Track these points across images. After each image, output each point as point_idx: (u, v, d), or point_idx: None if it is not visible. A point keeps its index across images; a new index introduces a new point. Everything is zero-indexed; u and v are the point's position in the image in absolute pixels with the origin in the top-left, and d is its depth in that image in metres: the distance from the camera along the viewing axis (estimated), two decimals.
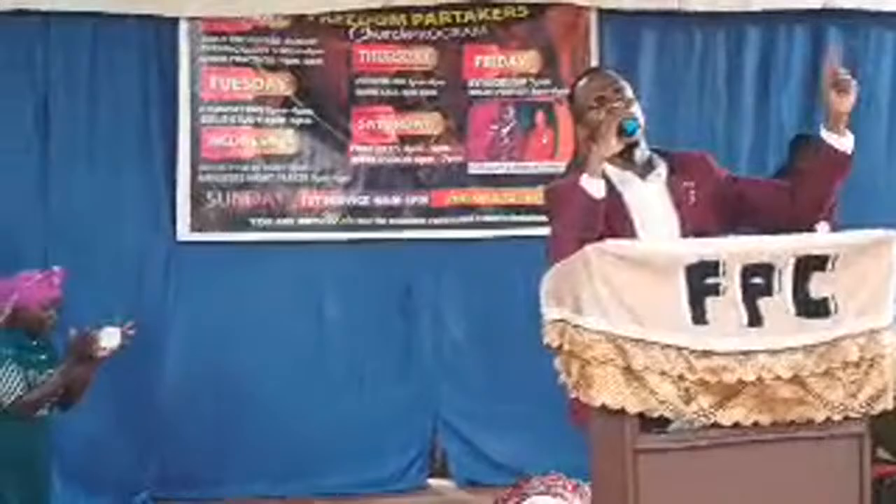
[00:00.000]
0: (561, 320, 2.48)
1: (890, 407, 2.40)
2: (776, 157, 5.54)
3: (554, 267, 2.57)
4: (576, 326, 2.40)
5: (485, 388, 5.37)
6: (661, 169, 2.96)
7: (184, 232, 5.27)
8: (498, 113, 5.50)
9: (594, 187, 2.80)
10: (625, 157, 2.92)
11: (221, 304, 5.25)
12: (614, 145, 2.85)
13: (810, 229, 2.93)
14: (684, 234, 2.84)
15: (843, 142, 2.81)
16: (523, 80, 5.51)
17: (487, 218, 5.47)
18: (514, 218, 5.44)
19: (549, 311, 2.53)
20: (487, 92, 5.49)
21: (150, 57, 5.26)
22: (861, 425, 2.40)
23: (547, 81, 5.47)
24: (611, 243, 2.39)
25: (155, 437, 5.15)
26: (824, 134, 2.83)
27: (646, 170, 2.95)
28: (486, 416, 5.36)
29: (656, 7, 5.48)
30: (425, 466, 5.38)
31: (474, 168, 5.47)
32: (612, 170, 2.90)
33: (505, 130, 5.50)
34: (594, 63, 5.45)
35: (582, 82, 3.08)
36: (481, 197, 5.47)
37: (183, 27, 5.26)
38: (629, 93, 2.98)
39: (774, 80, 5.60)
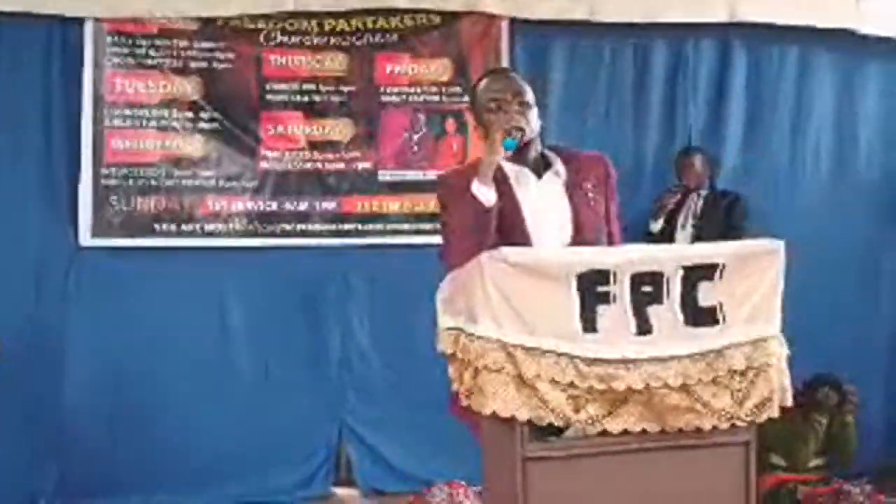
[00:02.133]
0: (455, 328, 2.48)
1: (776, 415, 2.45)
2: None
3: (449, 275, 2.58)
4: (469, 335, 2.41)
5: (390, 396, 5.34)
6: (559, 167, 2.92)
7: (86, 237, 5.15)
8: (409, 120, 5.48)
9: (484, 194, 2.76)
10: (520, 154, 2.89)
11: (124, 310, 5.14)
12: (502, 154, 2.82)
13: None
14: (579, 234, 2.83)
15: None
16: (434, 88, 5.50)
17: (397, 225, 5.45)
18: (424, 226, 5.42)
19: (444, 320, 2.54)
20: (398, 99, 5.47)
21: (53, 58, 5.14)
22: (748, 433, 2.44)
23: (458, 89, 5.47)
24: (504, 251, 2.40)
25: (55, 446, 5.03)
26: None
27: (541, 168, 2.92)
28: (391, 424, 5.33)
29: (567, 17, 5.50)
30: (330, 475, 5.33)
31: (384, 175, 5.45)
32: (507, 166, 2.88)
33: (415, 137, 5.48)
34: None
35: (483, 83, 3.02)
36: (391, 204, 5.45)
37: (88, 28, 5.15)
38: (528, 97, 2.93)
39: (681, 92, 5.67)
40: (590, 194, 2.91)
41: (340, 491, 5.38)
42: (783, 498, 4.74)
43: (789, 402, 2.46)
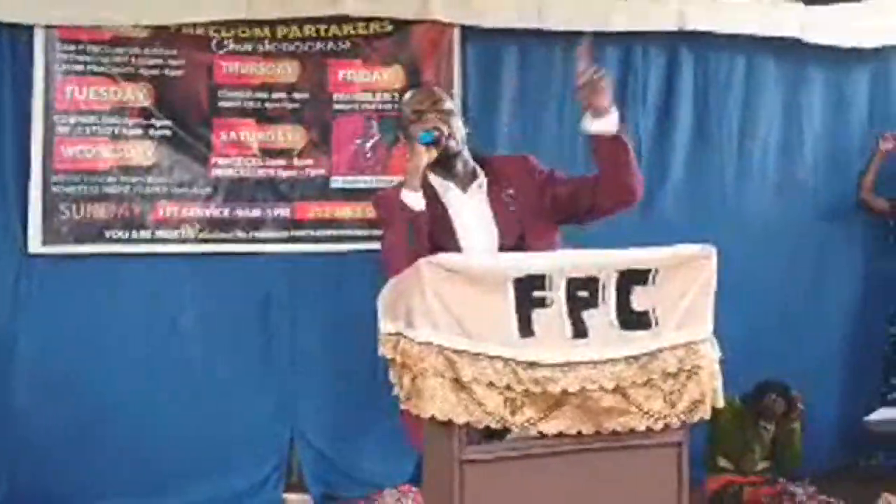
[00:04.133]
0: (395, 333, 2.52)
1: (708, 416, 2.50)
2: None
3: (390, 282, 2.62)
4: (408, 339, 2.45)
5: (341, 401, 5.36)
6: (482, 179, 3.03)
7: (35, 244, 5.13)
8: (361, 127, 5.51)
9: (413, 200, 2.87)
10: (447, 167, 3.00)
11: (75, 318, 5.12)
12: (424, 157, 2.93)
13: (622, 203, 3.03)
14: (504, 245, 2.90)
15: (604, 124, 2.89)
16: (387, 95, 5.52)
17: (350, 232, 5.47)
18: (376, 232, 5.41)
19: (385, 325, 2.58)
20: (351, 106, 5.49)
21: (3, 65, 5.12)
22: (680, 434, 2.50)
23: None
24: (442, 257, 2.45)
25: (6, 453, 5.01)
26: (587, 125, 2.92)
27: (467, 181, 3.02)
28: (342, 429, 5.35)
29: (518, 25, 5.56)
30: (281, 480, 5.34)
31: (337, 181, 5.47)
32: (436, 180, 2.98)
33: (368, 144, 5.51)
34: (457, 78, 5.52)
35: (405, 98, 3.19)
36: (344, 211, 5.47)
37: (39, 35, 5.13)
38: (447, 106, 3.08)
39: (631, 99, 5.74)
40: (509, 201, 3.00)
41: (291, 496, 5.38)
42: (729, 499, 4.82)
43: (720, 404, 2.51)
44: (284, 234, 5.42)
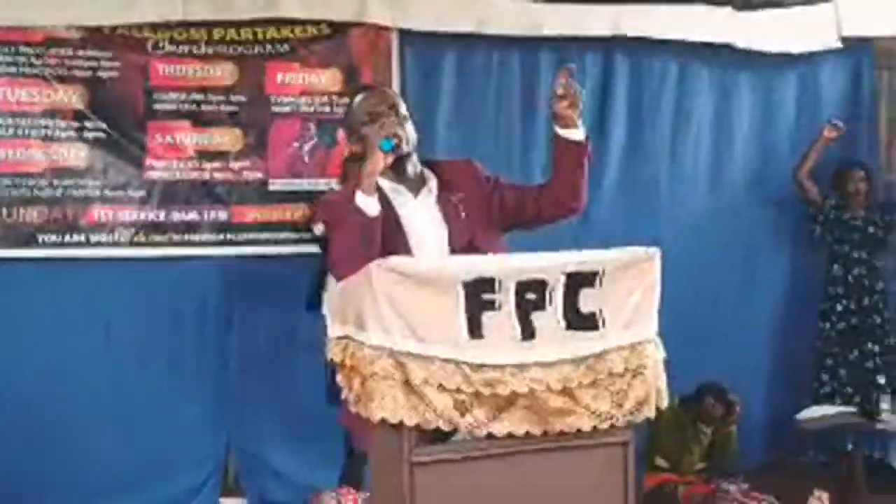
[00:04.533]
0: (344, 337, 2.52)
1: (652, 415, 2.55)
2: None
3: (338, 285, 2.63)
4: (358, 342, 2.45)
5: (278, 405, 5.34)
6: (432, 184, 3.04)
7: None
8: (299, 130, 5.48)
9: (368, 205, 2.85)
10: (398, 171, 3.01)
11: (6, 322, 5.04)
12: (381, 162, 2.92)
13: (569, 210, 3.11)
14: (454, 250, 2.92)
15: (573, 133, 3.00)
16: (325, 98, 5.51)
17: (287, 235, 5.44)
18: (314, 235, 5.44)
19: (334, 329, 2.58)
20: (289, 109, 5.47)
21: None
22: (626, 433, 2.54)
23: (348, 99, 5.47)
24: (393, 260, 2.46)
25: None
26: (557, 131, 3.03)
27: (417, 185, 3.03)
28: (277, 433, 5.34)
29: (454, 30, 5.59)
30: (217, 485, 5.31)
31: (274, 184, 5.44)
32: (386, 184, 2.98)
33: (306, 147, 5.49)
34: (395, 81, 5.54)
35: (357, 99, 3.17)
36: (281, 214, 5.45)
37: None
38: (403, 109, 3.09)
39: None
40: (459, 206, 3.01)
41: (227, 501, 5.37)
42: (664, 497, 4.90)
43: (664, 404, 2.56)
44: (220, 237, 5.38)
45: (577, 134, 3.02)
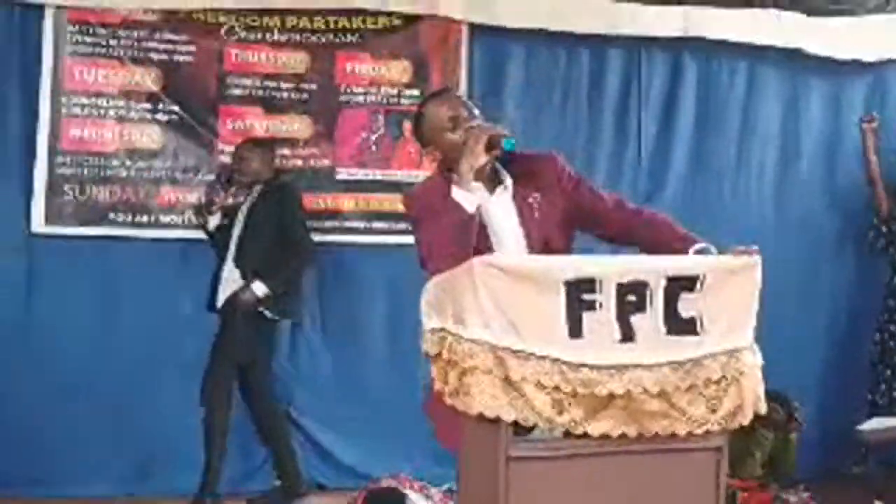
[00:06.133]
0: (441, 329, 2.53)
1: (747, 422, 2.55)
2: (632, 173, 5.78)
3: (434, 278, 2.63)
4: (456, 336, 2.46)
5: (339, 392, 5.40)
6: (508, 182, 2.99)
7: (38, 224, 5.12)
8: (367, 120, 5.52)
9: (467, 201, 2.80)
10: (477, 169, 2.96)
11: (76, 299, 5.14)
12: (482, 158, 2.87)
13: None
14: (530, 248, 2.89)
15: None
16: (394, 90, 5.55)
17: (352, 223, 5.49)
18: (378, 225, 5.48)
19: (429, 321, 2.58)
20: (358, 99, 5.51)
21: (12, 44, 5.11)
22: (720, 439, 2.55)
23: (417, 92, 5.51)
24: (496, 257, 2.48)
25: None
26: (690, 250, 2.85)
27: (493, 183, 2.98)
28: (338, 419, 5.38)
29: (526, 25, 5.60)
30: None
31: (341, 173, 5.48)
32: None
33: (373, 138, 5.53)
34: (463, 75, 5.56)
35: (431, 105, 3.07)
36: (347, 202, 5.49)
37: (49, 15, 5.12)
38: (477, 112, 3.03)
39: (634, 102, 5.80)
40: (533, 205, 2.98)
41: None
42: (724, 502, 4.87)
43: (763, 410, 2.57)
44: None
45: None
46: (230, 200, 5.06)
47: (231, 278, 4.96)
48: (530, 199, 2.98)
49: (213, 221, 5.05)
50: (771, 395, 4.93)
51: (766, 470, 5.12)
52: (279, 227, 4.96)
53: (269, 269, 4.91)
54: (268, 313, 4.96)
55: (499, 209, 2.97)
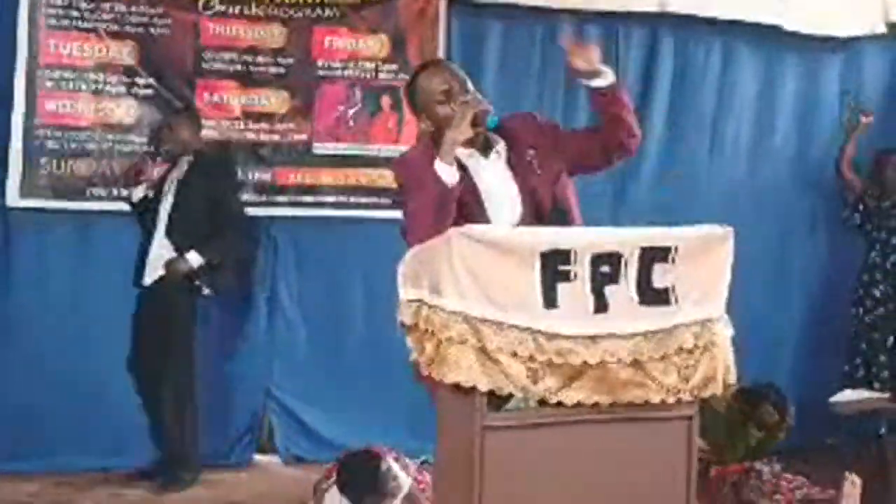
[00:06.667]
0: (418, 300, 2.55)
1: (719, 392, 2.59)
2: None
3: (411, 250, 2.65)
4: (432, 307, 2.49)
5: (316, 365, 5.43)
6: (500, 146, 3.07)
7: (13, 197, 5.09)
8: (345, 94, 5.52)
9: (447, 173, 2.88)
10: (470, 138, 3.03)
11: (50, 273, 5.14)
12: (467, 132, 2.96)
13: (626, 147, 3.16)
14: (531, 206, 2.99)
15: (598, 81, 3.04)
16: (371, 64, 5.54)
17: (329, 198, 5.49)
18: (356, 199, 5.49)
19: (406, 292, 2.61)
20: (335, 73, 5.49)
21: None
22: (692, 408, 2.58)
23: (394, 66, 5.52)
24: (472, 228, 2.49)
25: None
26: (584, 84, 3.09)
27: (486, 147, 3.06)
28: (315, 393, 5.41)
29: (503, 0, 5.60)
30: (253, 443, 5.38)
31: (319, 148, 5.48)
32: (460, 149, 3.00)
33: (351, 112, 5.52)
34: (441, 50, 5.56)
35: (424, 77, 3.15)
36: (325, 177, 5.49)
37: None
38: (469, 84, 3.11)
39: None
40: (533, 162, 3.05)
41: (261, 458, 5.44)
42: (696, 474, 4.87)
43: (733, 380, 2.60)
44: (263, 198, 5.43)
45: (603, 80, 3.05)
46: (156, 173, 5.03)
47: (161, 252, 4.91)
48: (528, 157, 3.05)
49: (137, 193, 5.03)
50: (768, 395, 4.94)
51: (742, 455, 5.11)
52: (213, 200, 4.93)
53: (202, 241, 4.87)
54: (203, 288, 4.92)
55: (492, 175, 3.04)
